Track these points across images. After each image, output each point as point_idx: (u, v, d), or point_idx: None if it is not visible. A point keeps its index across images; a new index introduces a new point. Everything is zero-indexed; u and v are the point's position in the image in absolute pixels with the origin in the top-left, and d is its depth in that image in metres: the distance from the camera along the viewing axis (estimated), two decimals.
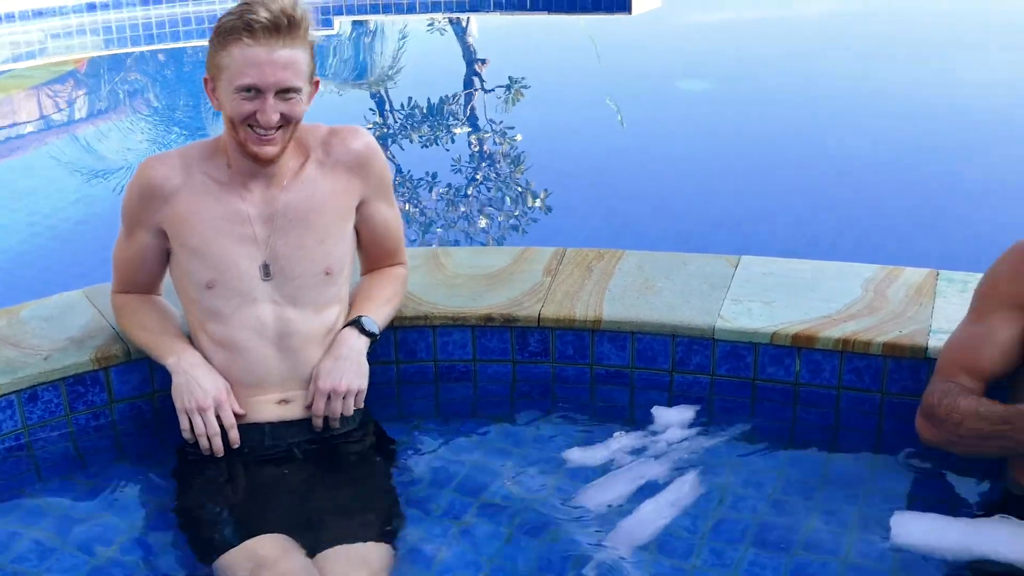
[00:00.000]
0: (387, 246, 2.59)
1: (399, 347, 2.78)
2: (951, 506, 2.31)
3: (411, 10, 9.86)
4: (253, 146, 2.28)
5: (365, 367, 2.44)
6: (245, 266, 2.37)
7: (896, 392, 2.56)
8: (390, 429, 2.58)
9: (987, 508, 2.24)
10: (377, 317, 2.51)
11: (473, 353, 2.80)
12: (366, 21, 10.05)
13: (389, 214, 2.55)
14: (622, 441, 2.53)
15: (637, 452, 2.51)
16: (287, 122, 2.27)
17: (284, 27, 2.19)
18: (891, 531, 2.19)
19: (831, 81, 7.56)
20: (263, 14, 2.17)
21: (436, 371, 2.82)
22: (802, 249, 4.01)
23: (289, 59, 2.22)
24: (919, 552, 2.15)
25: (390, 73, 8.64)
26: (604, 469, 2.46)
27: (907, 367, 2.53)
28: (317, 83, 2.35)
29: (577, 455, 2.52)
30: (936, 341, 2.48)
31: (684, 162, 6.02)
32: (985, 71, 7.73)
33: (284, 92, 2.23)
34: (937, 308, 2.64)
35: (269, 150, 2.29)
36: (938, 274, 2.81)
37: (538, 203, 5.57)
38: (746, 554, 2.21)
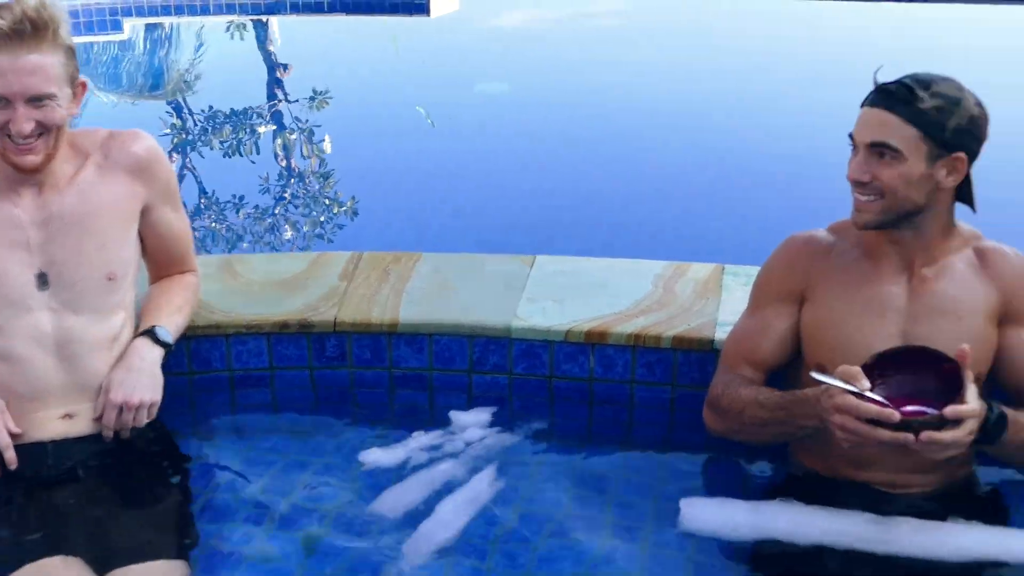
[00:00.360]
0: (174, 253, 2.53)
1: (192, 357, 2.72)
2: (740, 491, 2.40)
3: (204, 11, 9.57)
4: (12, 156, 2.19)
5: (159, 379, 2.37)
6: (16, 272, 2.27)
7: (686, 384, 2.64)
8: (185, 441, 2.52)
9: (772, 491, 2.33)
10: (169, 326, 2.44)
11: (269, 360, 2.75)
12: (160, 24, 9.70)
13: (175, 219, 2.49)
14: (420, 441, 2.54)
15: (435, 452, 2.51)
16: (46, 129, 2.19)
17: (27, 32, 2.10)
18: (680, 516, 2.25)
19: (626, 83, 7.74)
20: (2, 21, 2.09)
21: (232, 380, 2.76)
22: (597, 248, 4.09)
23: (36, 65, 2.13)
24: (708, 535, 2.22)
25: (188, 80, 8.37)
26: (402, 469, 2.46)
27: (695, 360, 2.61)
28: (83, 85, 2.27)
29: (374, 456, 2.51)
30: (722, 334, 2.56)
31: (483, 164, 6.07)
32: (773, 70, 8.04)
33: (36, 99, 2.14)
34: (723, 302, 2.74)
35: (31, 159, 2.20)
36: (724, 268, 2.91)
37: (344, 210, 5.53)
38: (546, 549, 2.24)
